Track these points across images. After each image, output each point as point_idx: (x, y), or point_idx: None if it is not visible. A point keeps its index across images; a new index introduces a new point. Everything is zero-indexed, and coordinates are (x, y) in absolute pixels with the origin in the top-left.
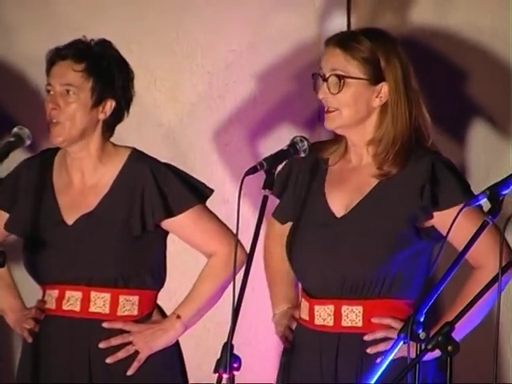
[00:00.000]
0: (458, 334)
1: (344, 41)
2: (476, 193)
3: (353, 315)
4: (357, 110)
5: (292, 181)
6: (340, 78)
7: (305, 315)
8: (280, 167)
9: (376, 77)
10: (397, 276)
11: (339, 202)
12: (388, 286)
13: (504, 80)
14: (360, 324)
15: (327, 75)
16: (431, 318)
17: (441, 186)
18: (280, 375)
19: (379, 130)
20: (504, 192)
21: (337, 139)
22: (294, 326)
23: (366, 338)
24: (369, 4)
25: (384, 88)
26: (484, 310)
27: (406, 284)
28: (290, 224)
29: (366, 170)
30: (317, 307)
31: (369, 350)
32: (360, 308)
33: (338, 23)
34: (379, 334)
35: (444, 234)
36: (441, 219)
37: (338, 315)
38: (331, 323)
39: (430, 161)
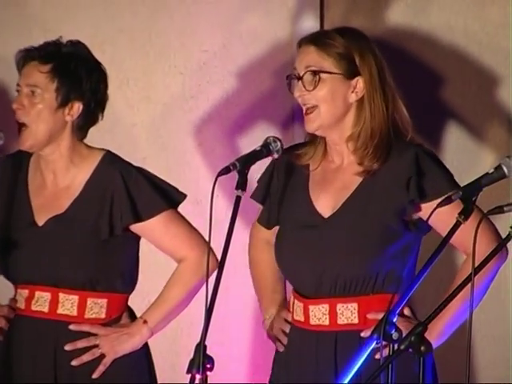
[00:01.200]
0: (443, 334)
1: (317, 38)
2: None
3: (348, 313)
4: (335, 106)
5: (274, 186)
6: (315, 73)
7: (299, 316)
8: (258, 170)
9: (351, 71)
10: (389, 270)
11: (325, 203)
12: (381, 281)
13: (477, 81)
14: (356, 321)
15: (302, 73)
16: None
17: (426, 178)
18: (275, 376)
19: (357, 125)
20: (476, 192)
21: (311, 142)
22: (287, 329)
23: (363, 334)
24: (342, 5)
25: (359, 82)
26: (466, 309)
27: (399, 277)
28: (275, 229)
29: (349, 169)
30: (311, 307)
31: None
32: (355, 305)
33: (311, 24)
34: None
35: (432, 226)
36: (428, 211)
37: (333, 314)
38: (327, 322)
39: (414, 153)
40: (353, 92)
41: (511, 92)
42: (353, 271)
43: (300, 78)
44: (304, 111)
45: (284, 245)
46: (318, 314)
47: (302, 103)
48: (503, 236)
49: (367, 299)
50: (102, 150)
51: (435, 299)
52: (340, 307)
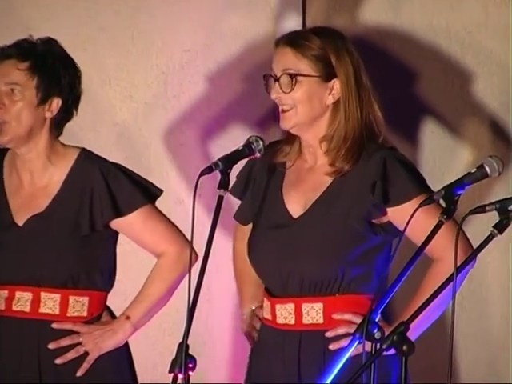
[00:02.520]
0: (414, 332)
1: (293, 40)
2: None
3: (313, 312)
4: (311, 107)
5: (251, 182)
6: (292, 76)
7: (268, 314)
8: (240, 168)
9: (327, 74)
10: (355, 272)
11: (296, 203)
12: (347, 282)
13: (459, 81)
14: (321, 321)
15: (278, 75)
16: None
17: (391, 182)
18: (247, 374)
19: (331, 127)
20: (459, 192)
21: (289, 139)
22: (258, 325)
23: (327, 334)
24: (323, 4)
25: (336, 85)
26: (441, 307)
27: (366, 279)
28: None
29: (321, 170)
30: (278, 306)
31: (331, 347)
32: (320, 305)
33: (293, 23)
34: (341, 330)
35: (401, 229)
36: (396, 214)
37: (298, 313)
38: (292, 321)
39: (382, 157)
40: (330, 94)
41: (492, 91)
42: (319, 272)
43: (277, 80)
44: (280, 109)
45: (254, 243)
46: (285, 313)
47: (278, 103)
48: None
49: (333, 300)
50: (78, 147)
51: (404, 299)
52: (305, 307)
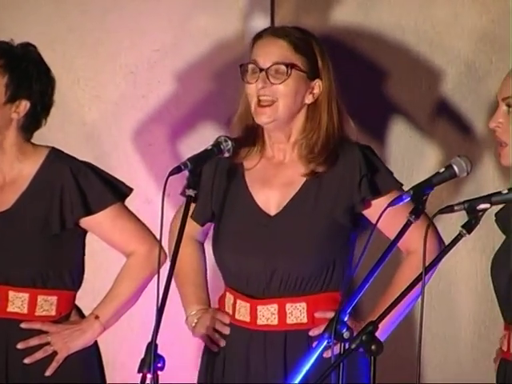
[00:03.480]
0: (384, 331)
1: (285, 33)
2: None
3: (297, 312)
4: (294, 103)
5: (205, 182)
6: (287, 67)
7: (243, 316)
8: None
9: (313, 73)
10: (335, 268)
11: (269, 201)
12: (329, 278)
13: (428, 80)
14: (305, 320)
15: (267, 65)
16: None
17: (378, 175)
18: (203, 377)
19: (307, 130)
20: (427, 192)
21: (247, 140)
22: (221, 328)
23: (311, 333)
24: (292, 4)
25: (318, 85)
26: (409, 305)
27: (341, 275)
28: (206, 227)
29: (293, 167)
30: (259, 307)
31: (315, 345)
32: (303, 304)
33: (262, 23)
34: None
35: (373, 221)
36: (372, 207)
37: (282, 313)
38: (276, 322)
39: (359, 151)
40: (310, 93)
41: (461, 91)
42: (303, 270)
43: (264, 70)
44: (257, 102)
45: (226, 245)
46: (267, 314)
47: (258, 94)
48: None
49: (315, 298)
50: (46, 147)
51: (376, 296)
52: (289, 307)
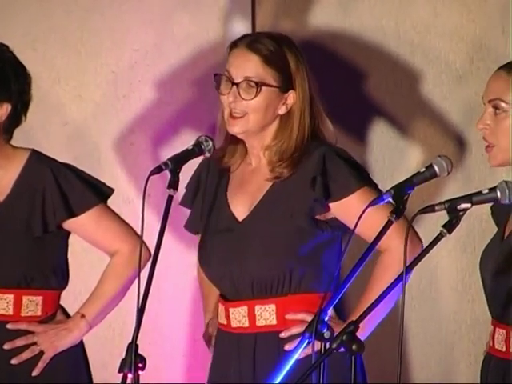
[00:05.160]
0: (364, 330)
1: (258, 46)
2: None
3: (266, 314)
4: (264, 116)
5: (201, 191)
6: (257, 85)
7: (222, 319)
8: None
9: (286, 85)
10: (305, 270)
11: (241, 206)
12: (297, 281)
13: (408, 81)
14: (274, 322)
15: (239, 80)
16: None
17: (332, 177)
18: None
19: (278, 138)
20: (408, 191)
21: (232, 143)
22: (214, 332)
23: (282, 335)
24: (272, 7)
25: (291, 96)
26: (389, 304)
27: (317, 277)
28: None
29: (262, 172)
30: (231, 310)
31: (286, 347)
32: (273, 306)
33: (242, 24)
34: (294, 330)
35: (345, 224)
36: (339, 209)
37: (252, 316)
38: (247, 324)
39: (321, 153)
40: (283, 104)
41: (442, 91)
42: (267, 273)
43: (236, 84)
44: (229, 114)
45: (203, 249)
46: (238, 317)
47: (230, 107)
48: (424, 238)
49: (285, 300)
50: (28, 149)
51: (356, 296)
52: (258, 309)
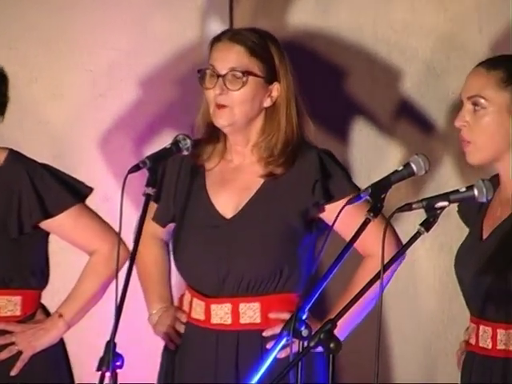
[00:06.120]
0: (343, 331)
1: (241, 38)
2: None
3: (250, 312)
4: (251, 108)
5: (167, 183)
6: (244, 74)
7: (199, 315)
8: None
9: (271, 76)
10: (292, 270)
11: (226, 203)
12: (283, 280)
13: (386, 79)
14: (258, 320)
15: (225, 71)
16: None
17: (331, 180)
18: (163, 375)
19: (266, 132)
20: (386, 190)
21: (210, 139)
22: (178, 327)
23: (265, 333)
24: (251, 5)
25: (276, 88)
26: (369, 305)
27: (299, 277)
28: (169, 226)
29: (251, 169)
30: (213, 306)
31: (269, 346)
32: (257, 304)
33: (220, 23)
34: (278, 329)
35: (330, 225)
36: (330, 211)
37: (235, 313)
38: (229, 321)
39: (317, 155)
40: (268, 96)
41: (419, 89)
42: (256, 271)
43: (222, 76)
44: (215, 105)
45: (182, 245)
46: (221, 313)
47: (215, 100)
48: (402, 237)
49: (269, 299)
50: (5, 148)
51: (335, 296)
52: (243, 306)
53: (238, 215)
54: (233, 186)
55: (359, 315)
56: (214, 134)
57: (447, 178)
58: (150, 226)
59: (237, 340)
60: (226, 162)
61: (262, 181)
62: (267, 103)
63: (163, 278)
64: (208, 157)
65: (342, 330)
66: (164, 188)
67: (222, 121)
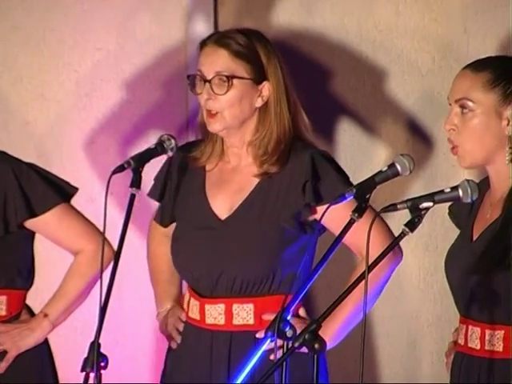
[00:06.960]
0: (336, 338)
1: (225, 41)
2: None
3: (244, 313)
4: (241, 110)
5: (171, 183)
6: (228, 78)
7: (195, 314)
8: (158, 170)
9: (259, 76)
10: (286, 272)
11: (222, 205)
12: (277, 282)
13: (371, 79)
14: (252, 321)
15: (211, 76)
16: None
17: (322, 181)
18: (167, 375)
19: (260, 131)
20: (370, 190)
21: (209, 140)
22: (180, 326)
23: (258, 335)
24: (235, 5)
25: (266, 87)
26: (357, 315)
27: (296, 279)
28: (173, 225)
29: (246, 171)
30: (207, 306)
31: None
32: (251, 305)
33: (205, 23)
34: None
35: (328, 227)
36: (321, 212)
37: (229, 314)
38: (222, 322)
39: (310, 156)
40: (259, 97)
41: (404, 89)
42: (250, 273)
43: (208, 81)
44: (206, 112)
45: (180, 245)
46: (214, 314)
47: (206, 106)
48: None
49: (263, 300)
50: None
51: (329, 298)
52: (236, 307)
53: (232, 216)
54: (229, 187)
55: (350, 324)
56: (211, 136)
57: (432, 178)
58: (161, 227)
59: (230, 340)
60: (224, 164)
61: (256, 181)
62: (259, 103)
63: (173, 277)
64: (207, 158)
65: (332, 339)
66: (167, 188)
67: (214, 127)
